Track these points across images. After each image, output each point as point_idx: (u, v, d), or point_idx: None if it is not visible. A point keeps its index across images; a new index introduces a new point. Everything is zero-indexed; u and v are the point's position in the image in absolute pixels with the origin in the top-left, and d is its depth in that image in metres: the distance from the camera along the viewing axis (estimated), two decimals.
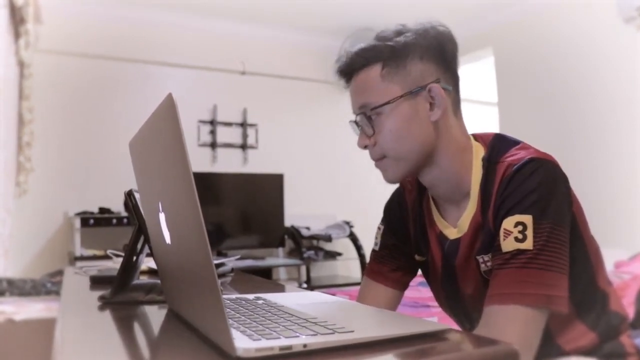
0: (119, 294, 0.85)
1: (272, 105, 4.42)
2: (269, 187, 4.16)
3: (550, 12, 3.71)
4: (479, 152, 0.92)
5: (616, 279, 1.95)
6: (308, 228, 4.19)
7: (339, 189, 4.58)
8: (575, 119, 3.54)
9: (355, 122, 0.95)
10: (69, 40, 3.69)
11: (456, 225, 0.94)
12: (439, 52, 0.91)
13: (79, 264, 3.11)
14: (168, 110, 0.52)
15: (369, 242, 4.79)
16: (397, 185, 1.09)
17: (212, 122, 4.18)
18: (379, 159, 0.93)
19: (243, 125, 4.29)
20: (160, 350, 0.61)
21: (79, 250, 3.36)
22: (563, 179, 0.84)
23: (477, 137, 0.96)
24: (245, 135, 4.28)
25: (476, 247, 0.90)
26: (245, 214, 4.15)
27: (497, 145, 0.91)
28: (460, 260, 0.93)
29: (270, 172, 4.21)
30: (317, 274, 4.32)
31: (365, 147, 0.94)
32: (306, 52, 4.51)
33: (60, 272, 2.19)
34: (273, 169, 4.26)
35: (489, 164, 0.89)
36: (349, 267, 4.49)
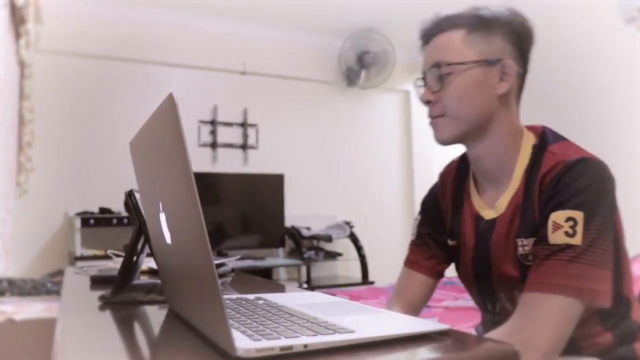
0: (119, 294, 0.85)
1: (272, 106, 4.42)
2: (269, 187, 4.16)
3: (551, 13, 3.71)
4: (529, 139, 0.96)
5: None
6: (308, 228, 4.19)
7: (339, 189, 4.58)
8: (575, 119, 3.53)
9: (423, 79, 0.99)
10: (69, 40, 3.69)
11: (493, 206, 0.97)
12: (519, 38, 0.97)
13: (79, 264, 3.10)
14: (169, 110, 0.52)
15: (369, 242, 4.74)
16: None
17: (213, 122, 4.18)
18: (437, 117, 0.97)
19: (243, 125, 4.28)
20: (160, 350, 0.61)
21: (79, 250, 3.36)
22: (613, 182, 0.88)
23: (529, 127, 1.00)
24: (245, 136, 4.28)
25: (514, 228, 0.92)
26: (246, 214, 4.15)
27: (546, 135, 0.96)
28: (496, 239, 0.95)
29: (270, 172, 4.21)
30: (317, 274, 4.31)
31: (427, 103, 0.98)
32: (306, 52, 4.51)
33: (60, 272, 2.19)
34: (273, 169, 4.26)
35: (539, 150, 0.93)
36: (349, 268, 4.49)
